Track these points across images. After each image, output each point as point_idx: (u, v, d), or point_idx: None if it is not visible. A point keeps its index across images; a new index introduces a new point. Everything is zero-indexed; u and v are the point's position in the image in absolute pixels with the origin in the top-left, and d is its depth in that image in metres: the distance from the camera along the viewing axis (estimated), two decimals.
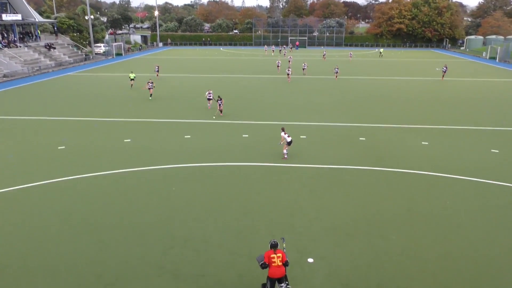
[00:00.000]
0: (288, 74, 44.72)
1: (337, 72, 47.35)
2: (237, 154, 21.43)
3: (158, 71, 49.13)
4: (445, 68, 48.25)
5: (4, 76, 49.14)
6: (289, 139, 19.66)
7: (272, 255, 9.67)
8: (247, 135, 24.85)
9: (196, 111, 31.53)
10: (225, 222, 14.40)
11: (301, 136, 24.59)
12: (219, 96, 29.63)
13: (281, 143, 20.41)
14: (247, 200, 16.14)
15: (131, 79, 41.12)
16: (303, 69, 50.79)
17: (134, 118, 28.83)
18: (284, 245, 10.35)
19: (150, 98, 35.88)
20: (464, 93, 39.66)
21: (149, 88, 36.32)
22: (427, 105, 34.19)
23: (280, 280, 9.68)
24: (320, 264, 12.03)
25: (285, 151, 20.29)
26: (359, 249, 12.81)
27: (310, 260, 12.22)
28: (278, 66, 54.43)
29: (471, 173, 18.98)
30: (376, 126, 27.37)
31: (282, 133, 19.86)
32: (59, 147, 22.41)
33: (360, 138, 24.33)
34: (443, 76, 48.17)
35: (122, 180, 17.90)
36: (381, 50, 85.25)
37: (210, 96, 30.97)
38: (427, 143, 23.58)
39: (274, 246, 9.75)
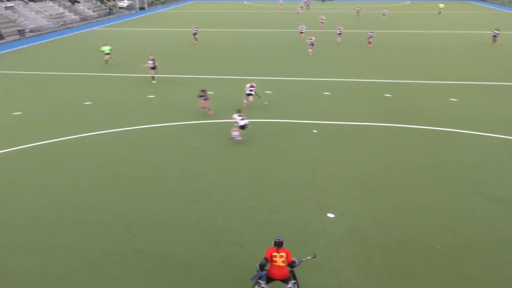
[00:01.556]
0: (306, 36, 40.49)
1: (370, 37, 38.05)
2: (259, 111, 21.38)
3: (196, 34, 40.53)
4: (497, 32, 37.86)
5: (31, 31, 49.64)
6: (242, 123, 17.02)
7: (274, 253, 8.63)
8: (270, 91, 24.65)
9: (226, 66, 31.31)
10: (247, 178, 14.65)
11: (324, 93, 24.22)
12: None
13: (233, 125, 17.53)
14: (268, 156, 16.28)
15: (106, 54, 31.55)
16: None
17: (160, 74, 28.93)
18: (308, 258, 9.24)
19: (153, 81, 26.73)
20: (500, 48, 37.69)
21: (152, 68, 26.17)
22: (460, 60, 32.82)
23: (284, 281, 8.73)
24: (341, 219, 12.20)
25: (234, 133, 17.48)
26: (380, 206, 12.88)
27: (331, 215, 12.40)
28: (301, 32, 42.15)
29: (499, 130, 18.44)
30: (405, 82, 26.60)
31: (235, 115, 17.21)
32: (85, 103, 22.88)
33: (386, 95, 23.78)
34: (494, 41, 38.08)
35: (147, 135, 18.28)
36: (441, 5, 67.10)
37: (252, 90, 21.61)
38: (456, 99, 22.86)
39: (278, 244, 8.68)
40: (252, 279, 8.90)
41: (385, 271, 10.13)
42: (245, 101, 21.66)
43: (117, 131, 18.84)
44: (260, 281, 8.78)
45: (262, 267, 8.75)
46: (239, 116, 17.18)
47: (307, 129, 18.83)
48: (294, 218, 12.31)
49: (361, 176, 14.69)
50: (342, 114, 20.69)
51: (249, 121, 17.42)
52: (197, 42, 40.34)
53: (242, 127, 17.21)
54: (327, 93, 24.16)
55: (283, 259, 8.61)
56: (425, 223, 12.00)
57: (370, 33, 37.94)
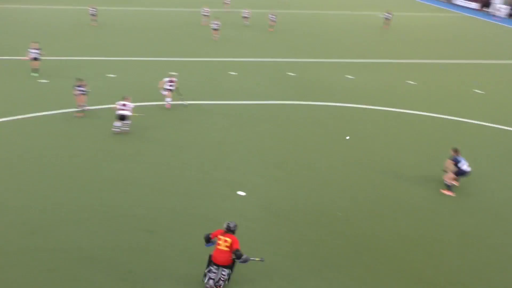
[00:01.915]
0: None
1: (273, 20, 36.16)
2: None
3: (94, 15, 35.03)
4: (388, 15, 38.59)
5: None
6: (120, 112, 15.50)
7: (220, 236, 8.54)
8: (174, 73, 24.07)
9: (124, 47, 29.68)
10: (154, 162, 14.27)
11: (231, 73, 24.32)
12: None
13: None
14: (176, 139, 16.00)
15: None
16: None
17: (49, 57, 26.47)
18: (257, 259, 8.90)
19: (34, 74, 22.26)
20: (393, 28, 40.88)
21: (34, 59, 21.86)
22: (356, 39, 35.00)
23: (224, 267, 8.57)
24: (251, 196, 12.50)
25: (116, 123, 15.87)
26: (289, 180, 13.43)
27: (241, 193, 12.63)
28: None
29: (393, 104, 20.21)
30: (306, 61, 27.72)
31: (119, 102, 15.80)
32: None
33: (289, 73, 24.61)
34: (386, 24, 38.88)
35: (38, 125, 16.77)
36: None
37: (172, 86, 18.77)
38: (352, 76, 24.46)
39: (226, 229, 8.58)
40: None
41: (293, 240, 10.67)
42: (168, 99, 18.49)
43: (4, 120, 17.01)
44: (207, 272, 8.66)
45: (206, 239, 8.82)
46: (123, 103, 15.51)
47: (215, 110, 18.81)
48: (205, 198, 12.33)
49: (269, 153, 15.14)
50: (249, 94, 21.00)
51: (139, 114, 16.17)
52: (95, 25, 36.73)
53: (121, 118, 15.54)
54: (234, 73, 24.29)
55: (227, 244, 8.40)
56: (328, 193, 12.81)
57: (272, 17, 35.80)
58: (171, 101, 18.39)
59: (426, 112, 19.32)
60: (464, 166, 12.56)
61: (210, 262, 8.64)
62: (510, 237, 11.12)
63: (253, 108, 19.30)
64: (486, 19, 48.48)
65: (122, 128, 15.86)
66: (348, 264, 9.95)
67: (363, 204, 12.31)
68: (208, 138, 16.11)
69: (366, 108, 19.64)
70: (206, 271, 8.74)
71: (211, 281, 8.60)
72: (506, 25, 45.14)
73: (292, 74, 24.57)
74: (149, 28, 35.50)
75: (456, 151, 12.83)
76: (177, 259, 9.85)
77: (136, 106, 16.39)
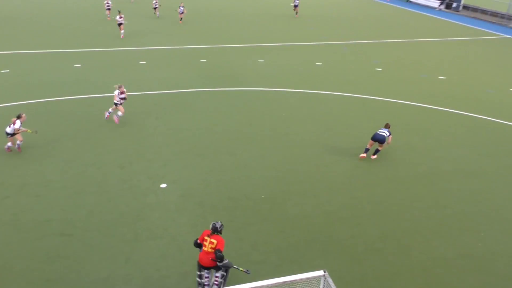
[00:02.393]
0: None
1: (182, 12, 33.86)
2: (68, 86, 19.43)
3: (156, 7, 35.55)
4: (297, 2, 38.28)
5: None
6: (8, 130, 13.23)
7: (206, 237, 8.18)
8: (79, 65, 22.53)
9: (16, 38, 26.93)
10: (65, 162, 13.38)
11: (140, 62, 23.41)
12: None
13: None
14: (88, 136, 15.10)
15: None
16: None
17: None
18: (241, 269, 8.34)
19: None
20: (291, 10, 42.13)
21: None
22: (263, 22, 35.55)
23: (212, 268, 8.25)
24: (173, 187, 12.30)
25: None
26: (210, 168, 13.43)
27: (163, 185, 12.38)
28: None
29: (301, 85, 21.01)
30: (217, 47, 27.59)
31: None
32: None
33: (201, 60, 24.36)
34: (295, 11, 38.71)
35: None
36: None
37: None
38: (263, 60, 24.93)
39: (213, 230, 8.22)
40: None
41: None
42: (116, 116, 15.87)
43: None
44: (198, 279, 8.29)
45: (196, 246, 8.41)
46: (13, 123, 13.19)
47: (125, 103, 18.03)
48: (126, 194, 11.88)
49: (188, 142, 14.96)
50: (161, 83, 20.43)
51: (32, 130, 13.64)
52: None
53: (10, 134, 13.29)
54: (143, 62, 23.41)
55: (212, 245, 8.04)
56: (249, 177, 13.06)
57: (182, 8, 33.62)
58: (121, 114, 15.86)
59: (335, 91, 20.42)
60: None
61: (199, 266, 8.26)
62: (417, 204, 12.31)
63: (167, 97, 18.85)
64: (383, 2, 52.14)
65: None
66: (276, 245, 10.30)
67: (286, 184, 12.76)
68: (123, 132, 15.44)
69: (280, 90, 20.20)
70: (197, 278, 8.31)
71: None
72: (405, 8, 48.94)
73: (204, 60, 24.35)
74: (45, 17, 32.62)
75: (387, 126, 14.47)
76: (97, 261, 9.42)
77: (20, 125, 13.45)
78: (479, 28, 38.43)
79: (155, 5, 35.47)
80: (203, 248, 8.18)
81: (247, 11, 40.43)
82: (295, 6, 38.37)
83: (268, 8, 42.61)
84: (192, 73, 22.02)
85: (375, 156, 14.38)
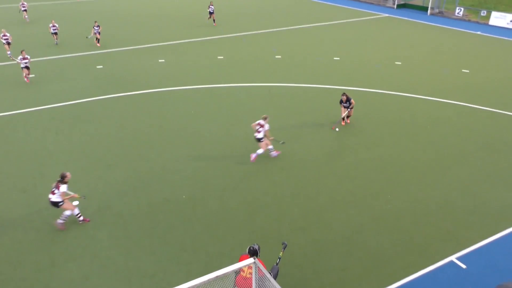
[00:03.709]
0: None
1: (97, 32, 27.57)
2: None
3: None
4: (212, 8, 32.86)
5: None
6: None
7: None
8: None
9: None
10: None
11: (31, 76, 21.52)
12: None
13: None
14: None
15: None
16: None
17: None
18: (280, 254, 8.18)
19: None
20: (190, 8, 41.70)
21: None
22: (159, 23, 34.67)
23: None
24: (87, 202, 11.60)
25: None
26: (123, 176, 12.90)
27: (75, 202, 11.60)
28: None
29: (205, 81, 21.01)
30: (113, 51, 26.33)
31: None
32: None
33: (98, 66, 23.12)
34: (211, 18, 33.26)
35: None
36: None
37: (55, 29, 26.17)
38: (163, 60, 24.40)
39: (251, 253, 7.36)
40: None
41: (141, 235, 10.43)
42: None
43: None
44: None
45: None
46: None
47: (21, 119, 16.53)
48: (34, 219, 10.95)
49: (96, 153, 14.19)
50: (57, 95, 19.00)
51: None
52: None
53: None
54: (32, 75, 21.54)
55: (250, 270, 7.12)
56: (167, 180, 12.81)
57: (96, 28, 27.26)
58: None
59: (239, 83, 20.74)
60: None
61: None
62: (330, 178, 13.08)
63: (66, 109, 17.62)
64: None
65: None
66: (204, 242, 10.27)
67: (204, 181, 12.73)
68: (20, 153, 14.15)
69: (185, 89, 19.98)
70: None
71: None
72: None
73: (100, 66, 23.14)
74: None
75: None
76: None
77: None
78: (363, 10, 41.51)
79: (23, 8, 33.72)
80: (241, 273, 7.36)
81: (139, 12, 39.10)
82: (211, 13, 32.93)
83: (160, 9, 41.61)
84: (88, 82, 20.80)
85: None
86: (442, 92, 19.77)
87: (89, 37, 27.88)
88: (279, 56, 25.30)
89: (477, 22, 36.36)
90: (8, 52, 24.02)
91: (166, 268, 9.38)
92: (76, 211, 10.68)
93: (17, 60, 20.39)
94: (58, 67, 23.02)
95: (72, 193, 10.77)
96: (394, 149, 14.70)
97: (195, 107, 17.94)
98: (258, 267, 6.66)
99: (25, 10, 33.68)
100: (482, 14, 36.59)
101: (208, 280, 6.23)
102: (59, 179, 10.38)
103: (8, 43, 24.04)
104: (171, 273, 9.26)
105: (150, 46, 27.29)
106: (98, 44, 27.04)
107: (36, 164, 13.51)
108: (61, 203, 10.39)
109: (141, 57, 24.93)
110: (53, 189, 10.35)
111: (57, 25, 27.25)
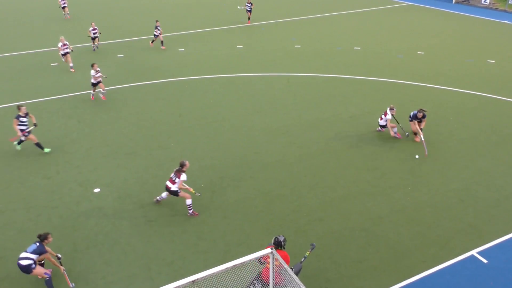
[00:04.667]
0: None
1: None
2: None
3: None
4: (249, 6, 30.38)
5: None
6: None
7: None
8: None
9: None
10: None
11: (52, 64, 21.88)
12: None
13: None
14: (7, 148, 13.97)
15: None
16: None
17: None
18: (307, 253, 8.45)
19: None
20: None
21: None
22: (180, 11, 34.72)
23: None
24: (108, 190, 11.82)
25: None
26: (144, 165, 13.06)
27: (97, 190, 11.85)
28: None
29: (224, 70, 21.00)
30: (132, 40, 26.51)
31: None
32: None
33: (119, 55, 23.34)
34: (249, 18, 30.85)
35: None
36: None
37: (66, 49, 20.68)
38: (183, 49, 24.45)
39: (276, 245, 7.57)
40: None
41: (161, 223, 10.57)
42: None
43: None
44: (255, 281, 7.58)
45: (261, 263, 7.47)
46: None
47: (44, 107, 16.87)
48: (57, 205, 11.21)
49: (117, 142, 14.40)
50: (78, 84, 19.29)
51: None
52: None
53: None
54: (55, 64, 21.89)
55: (277, 262, 7.07)
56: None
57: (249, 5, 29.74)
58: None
59: (258, 72, 20.65)
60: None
61: (257, 278, 7.56)
62: (349, 170, 12.96)
63: (85, 98, 17.88)
64: None
65: None
66: (221, 231, 10.35)
67: (222, 170, 12.78)
68: (44, 140, 14.44)
69: (204, 78, 20.01)
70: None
71: None
72: None
73: (121, 55, 23.34)
74: None
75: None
76: (37, 279, 8.84)
77: None
78: None
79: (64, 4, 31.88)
80: (267, 265, 7.31)
81: (163, 2, 39.18)
82: (248, 11, 30.45)
83: None
84: (110, 70, 21.03)
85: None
86: (466, 83, 19.28)
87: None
88: (299, 46, 25.04)
89: (505, 11, 35.19)
90: (71, 64, 21.06)
91: (185, 256, 9.50)
92: (189, 201, 10.66)
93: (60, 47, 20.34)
94: (79, 54, 23.29)
95: (187, 186, 10.88)
96: (415, 141, 14.44)
97: (214, 97, 17.97)
98: (276, 258, 6.71)
99: (65, 7, 30.76)
100: (510, 3, 35.38)
101: (226, 269, 6.29)
102: (178, 167, 10.52)
103: (67, 53, 20.75)
104: (189, 261, 9.38)
105: (169, 35, 27.35)
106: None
107: (59, 151, 13.79)
108: (179, 192, 10.50)
109: (160, 47, 25.02)
110: (173, 178, 10.46)
111: (97, 28, 23.78)
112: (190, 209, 10.72)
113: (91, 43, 24.34)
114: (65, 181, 12.24)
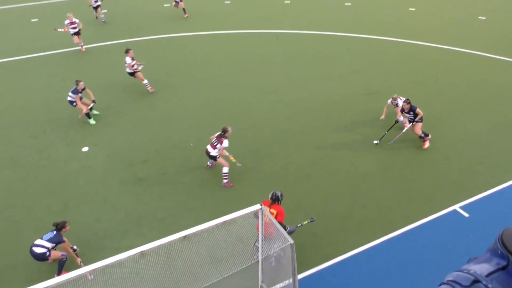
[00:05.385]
0: None
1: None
2: None
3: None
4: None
5: None
6: None
7: (266, 207, 7.31)
8: None
9: None
10: None
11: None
12: None
13: None
14: None
15: None
16: None
17: None
18: (305, 222, 8.61)
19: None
20: None
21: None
22: None
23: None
24: (96, 149, 11.79)
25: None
26: (132, 124, 12.97)
27: (85, 149, 11.81)
28: None
29: (209, 27, 20.51)
30: None
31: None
32: None
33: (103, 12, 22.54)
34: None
35: None
36: None
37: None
38: (168, 5, 23.70)
39: (273, 200, 7.97)
40: None
41: (151, 182, 10.64)
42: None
43: None
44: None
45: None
46: None
47: (27, 65, 16.40)
48: (46, 164, 11.20)
49: (104, 100, 14.18)
50: (63, 41, 18.73)
51: None
52: None
53: None
54: (35, 19, 21.09)
55: (273, 215, 7.62)
56: (174, 126, 12.87)
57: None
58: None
59: (246, 30, 20.22)
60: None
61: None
62: (336, 126, 13.04)
63: (72, 55, 17.40)
64: None
65: None
66: (211, 188, 10.48)
67: (209, 129, 12.76)
68: (26, 99, 14.18)
69: (188, 35, 19.56)
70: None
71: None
72: None
73: (105, 11, 22.54)
74: None
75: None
76: (27, 235, 8.91)
77: None
78: None
79: None
80: (265, 219, 7.51)
81: None
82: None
83: None
84: (90, 27, 20.33)
85: None
86: (457, 40, 19.15)
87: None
88: (288, 1, 24.42)
89: None
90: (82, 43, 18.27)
91: (176, 213, 9.66)
92: (226, 169, 10.33)
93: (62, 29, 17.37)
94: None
95: (228, 153, 10.53)
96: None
97: (201, 54, 17.64)
98: (270, 212, 6.85)
99: (99, 7, 21.08)
100: None
101: (215, 225, 6.40)
102: (221, 132, 10.10)
103: (77, 33, 17.88)
104: (180, 218, 9.55)
105: None
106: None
107: (45, 110, 13.58)
108: (218, 157, 10.21)
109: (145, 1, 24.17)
110: (215, 143, 10.13)
111: (77, 21, 17.80)
112: (225, 179, 10.41)
113: (94, 12, 21.60)
114: (52, 141, 12.15)
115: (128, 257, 5.44)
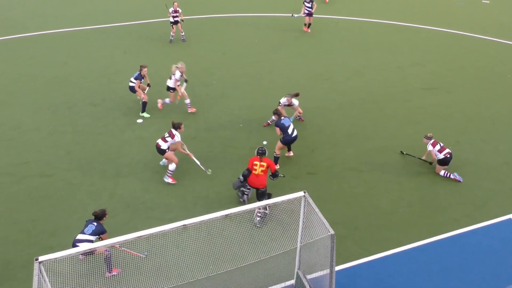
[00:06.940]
0: None
1: None
2: None
3: None
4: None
5: None
6: None
7: (256, 162, 8.83)
8: None
9: None
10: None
11: None
12: None
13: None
14: (63, 75, 14.51)
15: None
16: None
17: None
18: (281, 175, 9.64)
19: None
20: None
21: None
22: None
23: (260, 191, 8.97)
24: (149, 122, 12.15)
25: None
26: (183, 103, 13.24)
27: (139, 121, 12.23)
28: None
29: (268, 9, 20.32)
30: None
31: None
32: None
33: None
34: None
35: None
36: None
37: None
38: None
39: (260, 154, 8.84)
40: (233, 187, 9.34)
41: (199, 158, 10.85)
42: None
43: None
44: (243, 189, 9.15)
45: (245, 177, 8.93)
46: None
47: (91, 36, 17.14)
48: (102, 132, 11.73)
49: (160, 75, 14.56)
50: (125, 12, 19.34)
51: None
52: None
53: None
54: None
55: (262, 168, 8.80)
56: (227, 107, 12.99)
57: None
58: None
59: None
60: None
61: (245, 185, 9.11)
62: (390, 122, 12.63)
63: (135, 29, 17.96)
64: None
65: None
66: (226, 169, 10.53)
67: (261, 113, 12.77)
68: (91, 69, 14.84)
69: (250, 16, 19.52)
70: (240, 189, 9.22)
71: (245, 197, 9.23)
72: None
73: None
74: None
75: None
76: (82, 198, 9.47)
77: None
78: None
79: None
80: (253, 172, 8.84)
81: None
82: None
83: None
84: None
85: None
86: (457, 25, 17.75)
87: None
88: None
89: None
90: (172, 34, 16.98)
91: (219, 191, 9.83)
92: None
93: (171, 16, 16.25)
94: None
95: (188, 152, 10.14)
96: (465, 96, 13.72)
97: (258, 36, 17.56)
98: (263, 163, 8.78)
99: (177, 22, 16.94)
100: None
101: (259, 206, 6.43)
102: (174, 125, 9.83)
103: (177, 22, 16.81)
104: (223, 196, 9.68)
105: None
106: None
107: (105, 80, 14.18)
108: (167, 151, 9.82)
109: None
110: (165, 136, 9.84)
111: (180, 11, 16.67)
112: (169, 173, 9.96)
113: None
114: (109, 109, 12.69)
115: (171, 229, 5.66)
